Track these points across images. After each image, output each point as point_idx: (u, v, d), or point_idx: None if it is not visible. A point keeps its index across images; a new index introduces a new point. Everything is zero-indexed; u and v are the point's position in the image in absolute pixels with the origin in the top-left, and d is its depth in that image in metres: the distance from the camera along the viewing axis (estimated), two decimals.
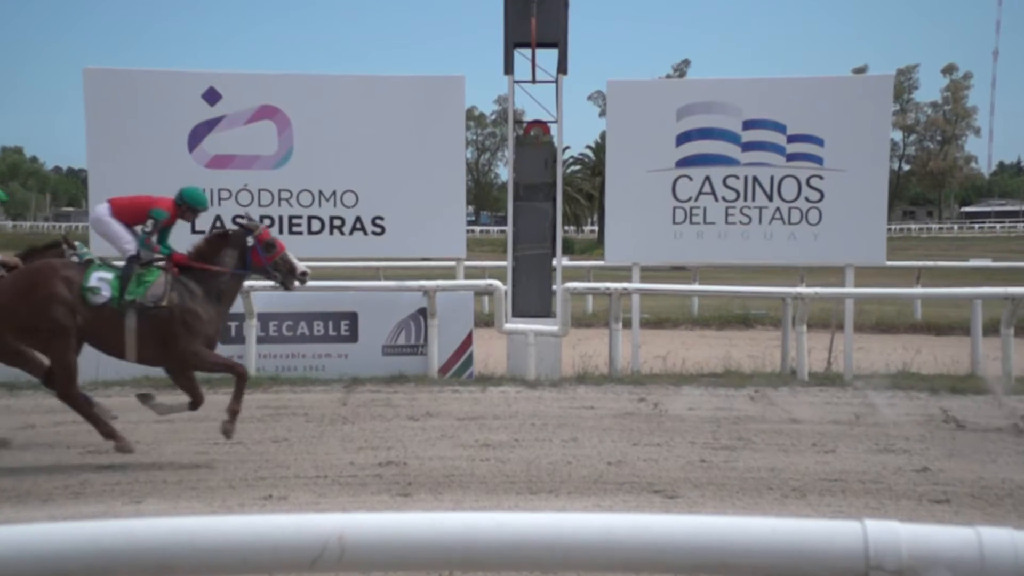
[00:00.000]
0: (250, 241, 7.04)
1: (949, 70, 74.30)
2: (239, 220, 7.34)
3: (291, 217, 10.67)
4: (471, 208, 72.67)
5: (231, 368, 7.03)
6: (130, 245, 7.07)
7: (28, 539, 1.76)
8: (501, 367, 10.64)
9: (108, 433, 6.82)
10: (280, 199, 10.65)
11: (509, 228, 11.30)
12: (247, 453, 6.93)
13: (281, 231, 10.63)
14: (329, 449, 7.08)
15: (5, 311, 6.61)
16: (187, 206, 7.35)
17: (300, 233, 10.66)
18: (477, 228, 61.29)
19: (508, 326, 10.51)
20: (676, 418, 8.23)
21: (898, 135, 73.95)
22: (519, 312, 10.87)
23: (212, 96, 10.51)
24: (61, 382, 6.79)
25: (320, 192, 10.67)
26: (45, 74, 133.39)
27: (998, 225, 65.95)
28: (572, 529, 1.81)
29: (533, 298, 11.12)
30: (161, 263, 7.00)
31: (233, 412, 6.85)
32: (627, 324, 10.87)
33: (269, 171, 10.61)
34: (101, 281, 6.71)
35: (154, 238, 7.05)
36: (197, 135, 10.51)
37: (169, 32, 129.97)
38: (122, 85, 10.54)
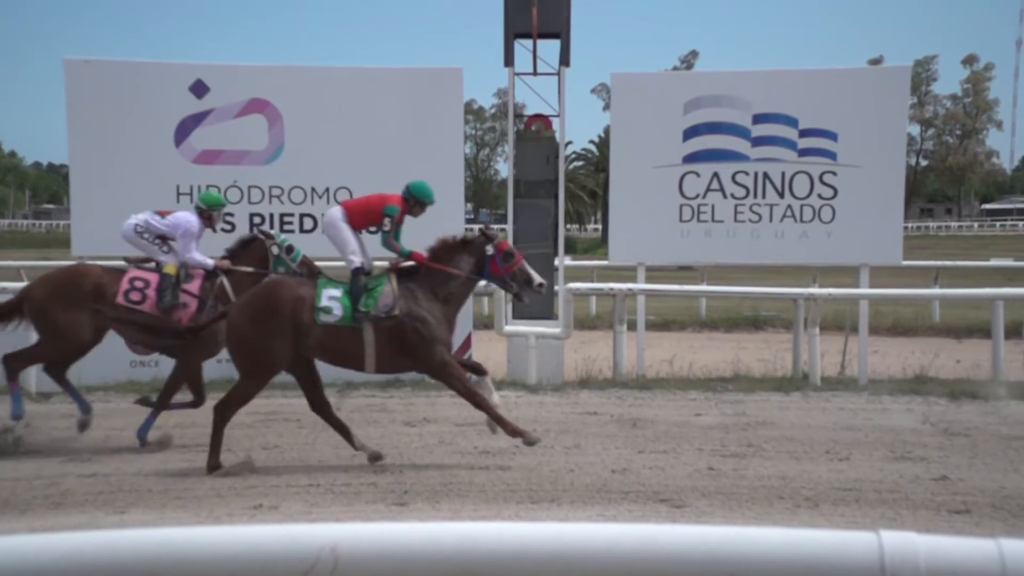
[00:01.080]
0: (489, 250, 7.15)
1: (969, 61, 74.25)
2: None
3: (282, 215, 10.67)
4: (470, 206, 72.68)
5: (472, 396, 6.89)
6: (355, 256, 7.23)
7: (5, 551, 1.76)
8: (501, 371, 10.63)
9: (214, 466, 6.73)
10: (271, 196, 10.65)
11: (509, 226, 11.29)
12: (236, 460, 6.92)
13: (272, 230, 10.64)
14: (322, 457, 7.08)
15: (236, 334, 6.77)
16: (415, 200, 7.47)
17: (292, 232, 10.63)
18: (476, 226, 61.26)
19: (508, 328, 10.51)
20: (683, 424, 8.23)
21: (915, 129, 73.96)
22: (519, 314, 10.87)
23: (200, 88, 10.51)
24: (230, 402, 6.82)
25: (312, 189, 10.67)
26: (24, 64, 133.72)
27: (1020, 223, 65.85)
28: (575, 540, 1.81)
29: (534, 299, 11.09)
30: (383, 268, 7.17)
31: (514, 432, 6.82)
32: (632, 326, 10.87)
33: (259, 167, 10.61)
34: (332, 300, 6.85)
35: (394, 237, 7.23)
36: (184, 129, 10.51)
37: (155, 21, 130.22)
38: (105, 77, 10.54)
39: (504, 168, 71.46)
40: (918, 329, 14.95)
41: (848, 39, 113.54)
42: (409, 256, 7.19)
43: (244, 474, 6.57)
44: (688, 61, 72.58)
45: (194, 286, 7.77)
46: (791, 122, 10.76)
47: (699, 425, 8.19)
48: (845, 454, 7.17)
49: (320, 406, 7.11)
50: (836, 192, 10.72)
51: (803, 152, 10.77)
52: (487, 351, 11.11)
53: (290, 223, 10.67)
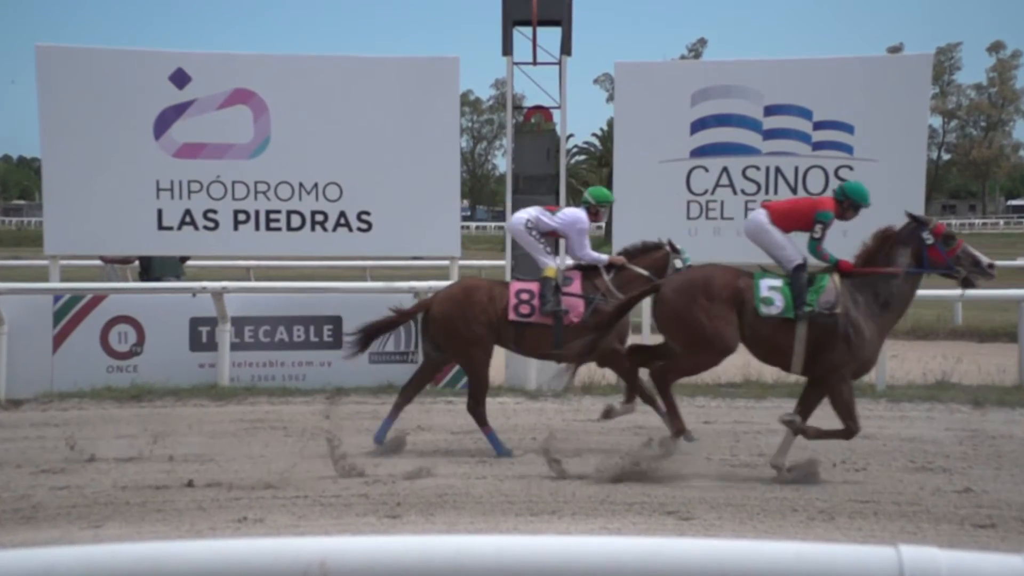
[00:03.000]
0: (927, 238, 7.05)
1: (996, 48, 74.24)
2: (910, 214, 7.35)
3: (268, 212, 10.68)
4: (466, 202, 72.72)
5: (850, 419, 6.91)
6: (791, 253, 7.23)
7: None
8: (499, 376, 10.61)
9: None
10: (256, 192, 10.65)
11: (507, 225, 11.30)
12: (219, 471, 6.92)
13: (258, 227, 10.66)
14: (310, 466, 7.07)
15: (676, 316, 6.99)
16: (849, 202, 7.41)
17: (279, 229, 10.68)
18: (473, 224, 61.31)
19: None
20: (691, 432, 8.22)
21: (937, 121, 73.96)
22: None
23: (181, 78, 10.52)
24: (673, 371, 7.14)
25: (300, 184, 10.68)
26: None
27: None
28: (577, 554, 1.81)
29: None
30: (824, 268, 7.15)
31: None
32: (637, 329, 10.86)
33: (244, 161, 10.61)
34: (772, 291, 6.91)
35: (824, 245, 7.19)
36: (164, 121, 10.51)
37: (134, 5, 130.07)
38: (79, 65, 10.54)
39: (502, 163, 71.48)
40: (939, 332, 14.92)
41: (866, 26, 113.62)
42: (837, 265, 7.12)
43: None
44: (696, 50, 72.65)
45: (575, 287, 7.86)
46: (805, 114, 10.77)
47: (708, 433, 8.19)
48: (862, 464, 7.17)
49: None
50: None
51: (817, 145, 10.78)
52: None
53: (277, 221, 10.67)
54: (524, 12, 10.78)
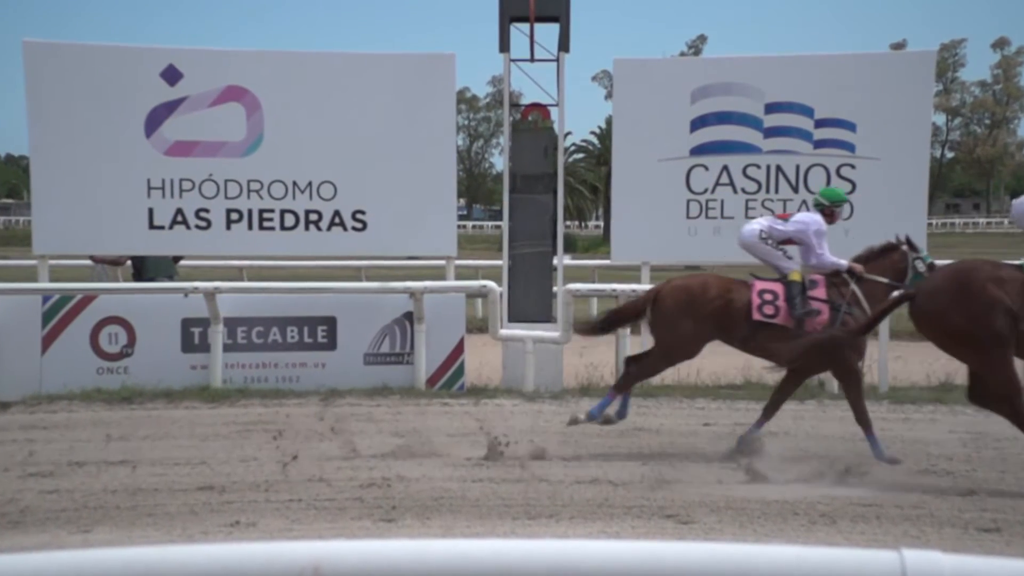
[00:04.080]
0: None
1: (1000, 44, 74.41)
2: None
3: (262, 211, 10.67)
4: (463, 201, 72.74)
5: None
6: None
7: None
8: (496, 377, 10.64)
9: None
10: (249, 191, 10.64)
11: (505, 223, 11.30)
12: (211, 475, 6.92)
13: (251, 227, 10.65)
14: (304, 469, 7.08)
15: (935, 316, 6.91)
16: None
17: (272, 229, 10.67)
18: (469, 223, 61.38)
19: (504, 332, 10.51)
20: (691, 434, 8.24)
21: (941, 118, 74.14)
22: (516, 316, 10.88)
23: (172, 75, 10.50)
24: (1011, 393, 6.83)
25: (294, 183, 10.67)
26: None
27: None
28: (575, 558, 1.81)
29: (531, 301, 11.13)
30: None
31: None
32: (636, 330, 10.87)
33: (237, 159, 10.61)
34: None
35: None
36: (155, 118, 10.50)
37: (125, 3, 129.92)
38: (69, 61, 10.52)
39: (499, 161, 71.53)
40: None
41: (868, 22, 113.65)
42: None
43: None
44: (696, 46, 72.77)
45: (819, 292, 7.81)
46: (806, 111, 10.78)
47: (708, 435, 8.20)
48: (865, 467, 7.17)
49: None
50: (854, 186, 10.72)
51: (819, 143, 10.79)
52: (481, 356, 11.13)
53: (270, 220, 10.67)
54: (521, 8, 10.77)
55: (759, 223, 8.23)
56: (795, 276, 7.83)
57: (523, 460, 7.27)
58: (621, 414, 7.92)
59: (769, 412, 7.74)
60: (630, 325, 8.82)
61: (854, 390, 7.52)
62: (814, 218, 8.11)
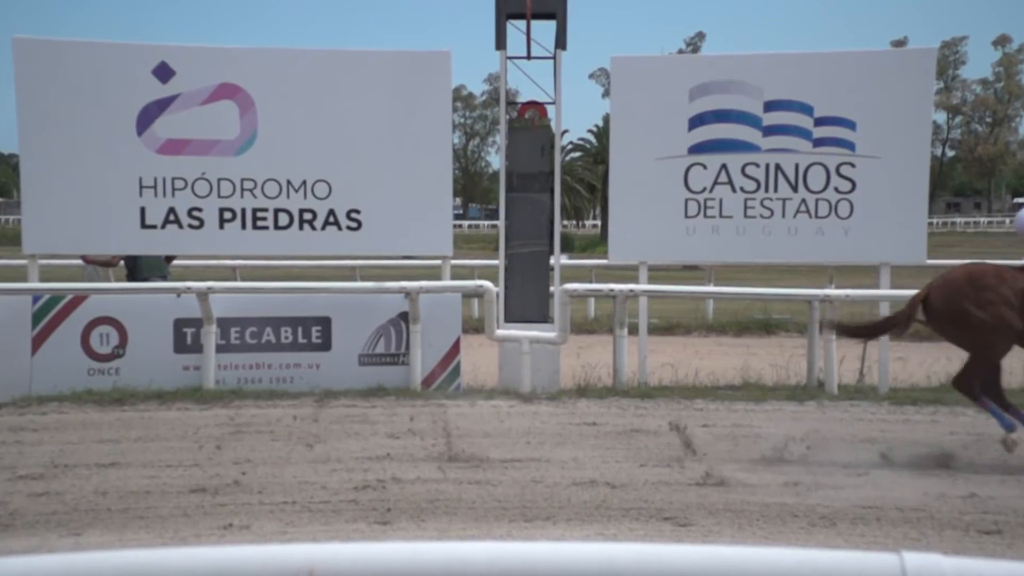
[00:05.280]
0: None
1: (1002, 42, 74.54)
2: None
3: (255, 210, 10.66)
4: (459, 200, 72.76)
5: None
6: None
7: None
8: (492, 378, 10.64)
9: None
10: (243, 190, 10.63)
11: (501, 223, 11.31)
12: (204, 477, 6.91)
13: (244, 226, 10.64)
14: (298, 471, 7.08)
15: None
16: None
17: (266, 228, 10.65)
18: (465, 223, 61.38)
19: (500, 332, 10.51)
20: (689, 436, 8.23)
21: (941, 117, 74.30)
22: (512, 317, 10.88)
23: (164, 72, 10.49)
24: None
25: (288, 182, 10.66)
26: None
27: None
28: (571, 561, 1.81)
29: (528, 301, 11.14)
30: None
31: None
32: (633, 330, 10.88)
33: (230, 158, 10.59)
34: None
35: None
36: (147, 116, 10.49)
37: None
38: (59, 58, 10.50)
39: (496, 159, 71.53)
40: None
41: (869, 19, 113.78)
42: None
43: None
44: (694, 44, 72.83)
45: None
46: (806, 109, 10.79)
47: (706, 436, 8.20)
48: (864, 469, 7.18)
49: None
50: (854, 185, 10.74)
51: (819, 142, 10.80)
52: (477, 357, 11.13)
53: (264, 219, 10.66)
54: (518, 5, 10.78)
55: None
56: None
57: (519, 461, 7.27)
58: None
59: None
60: (900, 332, 8.29)
61: None
62: None
